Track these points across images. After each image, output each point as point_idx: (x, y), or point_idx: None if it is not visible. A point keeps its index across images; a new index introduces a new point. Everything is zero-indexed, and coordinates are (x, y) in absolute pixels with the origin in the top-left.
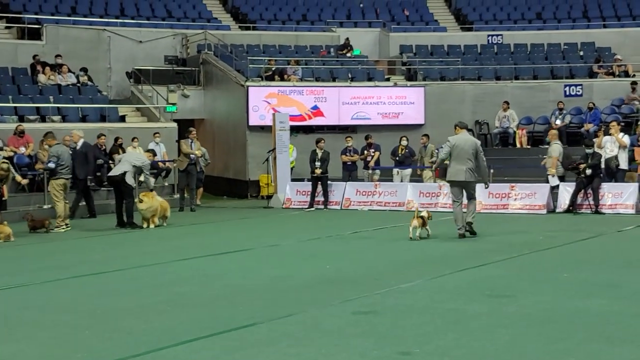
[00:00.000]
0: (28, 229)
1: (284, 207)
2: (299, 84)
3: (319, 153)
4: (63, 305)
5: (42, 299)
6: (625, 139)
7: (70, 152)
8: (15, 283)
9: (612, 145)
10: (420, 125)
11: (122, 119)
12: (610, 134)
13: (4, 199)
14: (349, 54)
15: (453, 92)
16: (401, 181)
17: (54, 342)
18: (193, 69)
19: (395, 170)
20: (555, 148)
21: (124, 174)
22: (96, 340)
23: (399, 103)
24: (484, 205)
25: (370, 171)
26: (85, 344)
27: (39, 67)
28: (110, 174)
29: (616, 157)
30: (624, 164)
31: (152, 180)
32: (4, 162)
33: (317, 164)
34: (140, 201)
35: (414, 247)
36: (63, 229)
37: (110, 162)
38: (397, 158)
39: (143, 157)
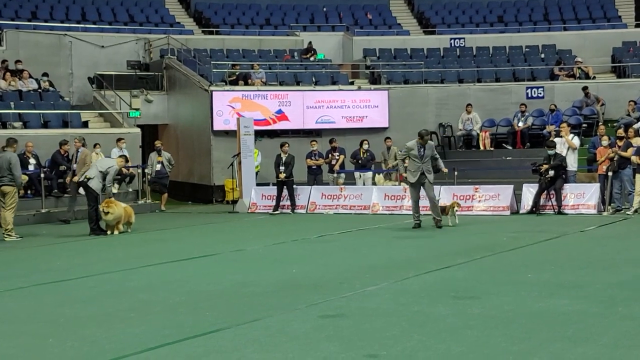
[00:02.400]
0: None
1: (249, 211)
2: (263, 88)
3: (284, 157)
4: (25, 314)
5: (2, 308)
6: (575, 141)
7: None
8: None
9: (561, 147)
10: (384, 129)
11: (85, 124)
12: (560, 136)
13: None
14: (312, 58)
15: (417, 95)
16: (364, 184)
17: (16, 351)
18: (156, 73)
19: (357, 174)
20: None
21: (88, 179)
22: (60, 349)
23: (363, 107)
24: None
25: (335, 175)
26: (48, 353)
27: (2, 72)
28: (79, 178)
29: (565, 158)
30: (572, 165)
31: (112, 187)
32: None
33: (282, 168)
34: (106, 213)
35: (379, 250)
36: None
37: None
38: (359, 161)
39: (112, 163)
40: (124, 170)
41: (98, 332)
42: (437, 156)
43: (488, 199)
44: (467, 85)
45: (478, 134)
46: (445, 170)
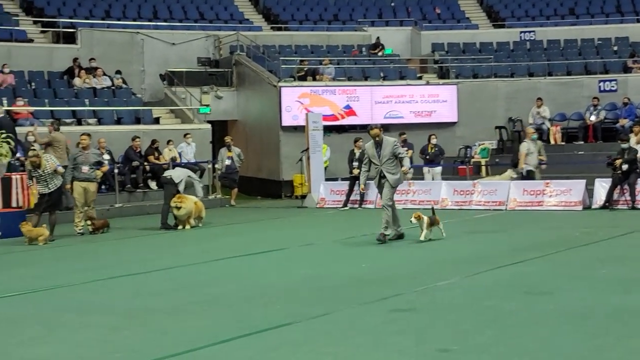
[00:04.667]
0: (89, 230)
1: (318, 206)
2: (332, 83)
3: (357, 152)
4: (100, 306)
5: (80, 300)
6: None
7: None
8: (53, 285)
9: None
10: (453, 123)
11: (157, 121)
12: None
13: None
14: (380, 53)
15: (486, 89)
16: (432, 179)
17: (93, 342)
18: (226, 70)
19: (425, 169)
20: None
21: (179, 180)
22: (134, 340)
23: (431, 101)
24: (518, 203)
25: None
26: (123, 344)
27: (77, 71)
28: (165, 174)
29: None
30: None
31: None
32: (31, 150)
33: (355, 163)
34: (178, 208)
35: (449, 245)
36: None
37: (146, 164)
38: (427, 156)
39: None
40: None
41: (171, 325)
42: (403, 154)
43: (559, 194)
44: (537, 79)
45: (548, 129)
46: (406, 169)
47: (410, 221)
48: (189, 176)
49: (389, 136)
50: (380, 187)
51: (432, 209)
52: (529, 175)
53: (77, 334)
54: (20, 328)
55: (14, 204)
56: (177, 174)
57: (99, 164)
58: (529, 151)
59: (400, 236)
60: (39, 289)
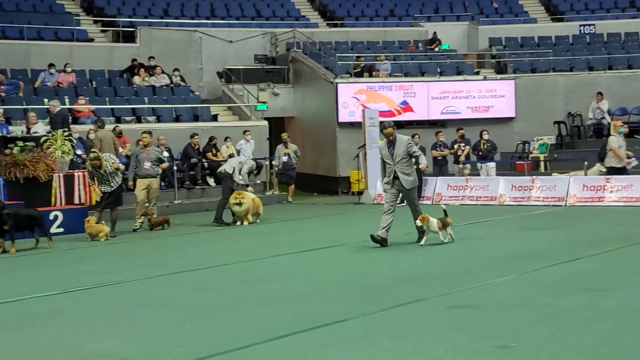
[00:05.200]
0: (149, 227)
1: (374, 202)
2: (388, 79)
3: None
4: (162, 301)
5: (142, 295)
6: None
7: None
8: (115, 280)
9: None
10: (511, 119)
11: (215, 118)
12: None
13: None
14: (437, 49)
15: (544, 84)
16: (487, 175)
17: (155, 336)
18: (282, 67)
19: (479, 165)
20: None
21: (232, 171)
22: (195, 335)
23: (489, 96)
24: (578, 198)
25: (460, 165)
26: (184, 338)
27: (137, 70)
28: (220, 169)
29: None
30: None
31: (242, 179)
32: (92, 152)
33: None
34: (239, 204)
35: (507, 241)
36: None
37: (204, 161)
38: (479, 152)
39: (249, 161)
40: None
41: (231, 320)
42: (418, 153)
43: (620, 190)
44: (597, 73)
45: (609, 123)
46: (423, 166)
47: (415, 224)
48: (240, 162)
49: (445, 132)
50: (393, 188)
51: (444, 210)
52: (623, 170)
53: (140, 329)
54: (85, 322)
55: (76, 201)
56: (230, 165)
57: (160, 161)
58: (619, 145)
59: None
60: (102, 284)
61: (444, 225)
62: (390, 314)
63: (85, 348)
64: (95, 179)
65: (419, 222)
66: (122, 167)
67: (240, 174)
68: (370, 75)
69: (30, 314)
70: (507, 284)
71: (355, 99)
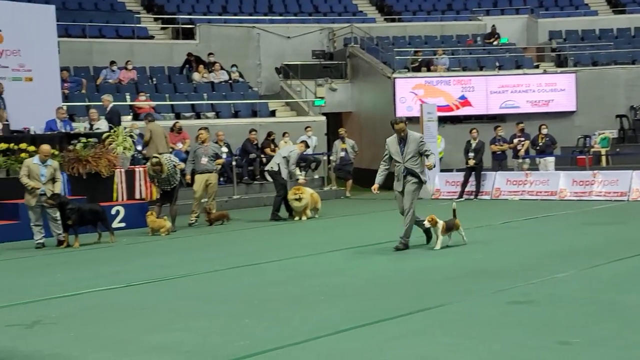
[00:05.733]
0: (207, 222)
1: (432, 197)
2: (446, 74)
3: (473, 143)
4: (222, 295)
5: (202, 289)
6: None
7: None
8: (176, 274)
9: None
10: (571, 113)
11: (273, 113)
12: None
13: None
14: (496, 42)
15: (606, 77)
16: (546, 170)
17: (216, 330)
18: (340, 62)
19: (537, 159)
20: None
21: (278, 167)
22: (255, 329)
23: (548, 90)
24: None
25: (520, 160)
26: (245, 332)
27: (193, 64)
28: (266, 168)
29: None
30: None
31: (297, 170)
32: (154, 157)
33: (471, 154)
34: (299, 199)
35: (567, 237)
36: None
37: (262, 156)
38: (537, 147)
39: (293, 147)
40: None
41: (290, 314)
42: (429, 152)
43: None
44: None
45: None
46: (430, 164)
47: (423, 224)
48: (283, 157)
49: (505, 127)
50: (402, 187)
51: (454, 210)
52: None
53: (201, 322)
54: (147, 316)
55: (137, 196)
56: (274, 162)
57: (217, 156)
58: None
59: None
60: (164, 278)
61: (448, 229)
62: (450, 309)
63: (149, 341)
64: (156, 180)
65: (427, 224)
66: (182, 165)
67: (289, 169)
68: (428, 70)
69: (95, 307)
70: (568, 279)
71: (413, 94)
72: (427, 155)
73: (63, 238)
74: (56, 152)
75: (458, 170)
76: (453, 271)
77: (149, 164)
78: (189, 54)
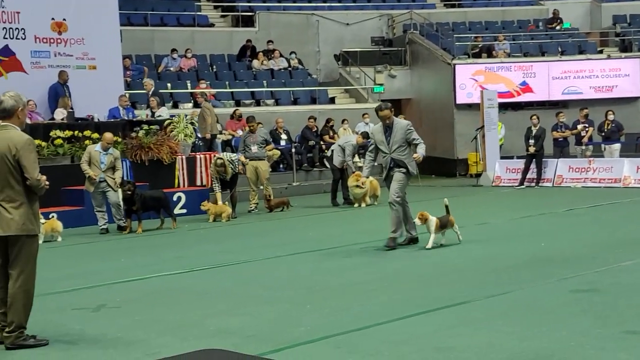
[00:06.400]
0: (267, 208)
1: (493, 185)
2: (507, 60)
3: (534, 130)
4: (283, 281)
5: (263, 275)
6: None
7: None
8: (237, 260)
9: None
10: (636, 98)
11: (332, 100)
12: None
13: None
14: (558, 27)
15: None
16: (611, 157)
17: (277, 316)
18: (399, 49)
19: (603, 146)
20: None
21: (331, 154)
22: (316, 315)
23: (612, 76)
24: None
25: (583, 147)
26: (306, 318)
27: (249, 51)
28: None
29: None
30: None
31: (352, 161)
32: (218, 159)
33: (531, 141)
34: (359, 187)
35: (632, 224)
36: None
37: (322, 143)
38: (603, 133)
39: (351, 138)
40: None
41: (351, 300)
42: (418, 140)
43: None
44: None
45: None
46: (419, 156)
47: (414, 222)
48: (339, 145)
49: (567, 113)
50: (388, 180)
51: (446, 206)
52: None
53: (263, 308)
54: (211, 301)
55: (198, 183)
56: (331, 149)
57: (266, 142)
58: None
59: (413, 240)
60: (225, 264)
61: (443, 226)
62: (512, 297)
63: (211, 325)
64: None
65: (418, 221)
66: (247, 161)
67: (345, 160)
68: (489, 56)
69: (158, 292)
70: (634, 267)
71: (473, 80)
72: (416, 145)
73: (124, 224)
74: (119, 140)
75: (518, 157)
76: (516, 259)
77: (212, 165)
78: (248, 41)
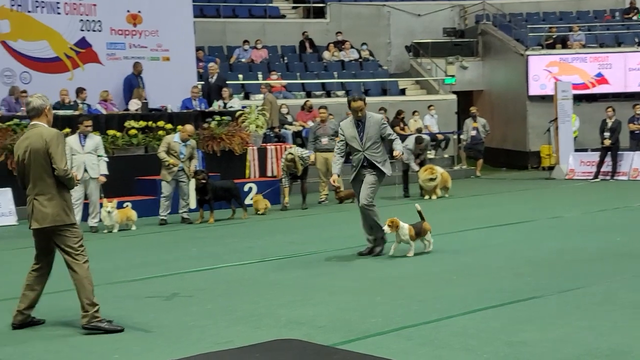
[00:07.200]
0: (337, 200)
1: (566, 178)
2: (582, 50)
3: (609, 122)
4: (354, 272)
5: (333, 266)
6: None
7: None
8: (308, 251)
9: None
10: None
11: (403, 92)
12: None
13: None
14: (635, 17)
15: None
16: None
17: (349, 306)
18: (471, 40)
19: None
20: None
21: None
22: (388, 306)
23: None
24: None
25: None
26: (378, 309)
27: (307, 44)
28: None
29: None
30: None
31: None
32: (289, 154)
33: (607, 134)
34: (432, 179)
35: None
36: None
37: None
38: None
39: (409, 143)
40: (439, 136)
41: (423, 292)
42: (394, 136)
43: None
44: None
45: None
46: (398, 153)
47: (382, 230)
48: (405, 144)
49: (639, 105)
50: (357, 182)
51: (419, 212)
52: None
53: (334, 298)
54: (282, 291)
55: (269, 174)
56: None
57: (337, 134)
58: None
59: (372, 250)
60: (297, 254)
61: (417, 234)
62: (586, 292)
63: (282, 316)
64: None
65: (387, 229)
66: (312, 156)
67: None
68: (563, 47)
69: (229, 282)
70: None
71: (546, 72)
72: (392, 141)
73: (187, 216)
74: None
75: (593, 150)
76: (590, 253)
77: (283, 159)
78: (304, 33)
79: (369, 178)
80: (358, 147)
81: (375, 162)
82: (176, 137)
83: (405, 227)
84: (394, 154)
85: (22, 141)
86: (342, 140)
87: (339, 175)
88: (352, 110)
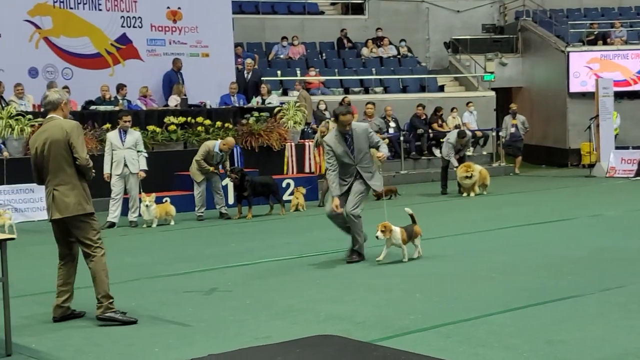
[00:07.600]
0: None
1: (607, 176)
2: (624, 47)
3: None
4: (391, 269)
5: (372, 262)
6: None
7: None
8: (345, 248)
9: None
10: None
11: (441, 88)
12: None
13: None
14: None
15: None
16: None
17: (387, 303)
18: (511, 36)
19: None
20: None
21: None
22: (426, 303)
23: None
24: None
25: None
26: (416, 306)
27: (345, 41)
28: None
29: None
30: None
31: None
32: (325, 121)
33: None
34: (469, 177)
35: None
36: None
37: (430, 131)
38: None
39: (450, 136)
40: (478, 133)
41: (461, 290)
42: (380, 142)
43: None
44: None
45: None
46: (382, 155)
47: (376, 237)
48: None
49: None
50: (346, 197)
51: (411, 215)
52: None
53: (372, 295)
54: (321, 287)
55: (306, 170)
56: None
57: (380, 131)
58: None
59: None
60: (335, 251)
61: (409, 237)
62: (627, 291)
63: (321, 311)
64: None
65: (380, 234)
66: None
67: (444, 155)
68: (605, 43)
69: (268, 277)
70: None
71: (587, 68)
72: (379, 146)
73: (225, 211)
74: (230, 126)
75: (634, 148)
76: (631, 252)
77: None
78: (343, 30)
79: (358, 187)
80: (350, 162)
81: (367, 173)
82: (216, 147)
83: (397, 231)
84: (377, 155)
85: (40, 134)
86: (332, 157)
87: (339, 197)
88: (341, 123)
